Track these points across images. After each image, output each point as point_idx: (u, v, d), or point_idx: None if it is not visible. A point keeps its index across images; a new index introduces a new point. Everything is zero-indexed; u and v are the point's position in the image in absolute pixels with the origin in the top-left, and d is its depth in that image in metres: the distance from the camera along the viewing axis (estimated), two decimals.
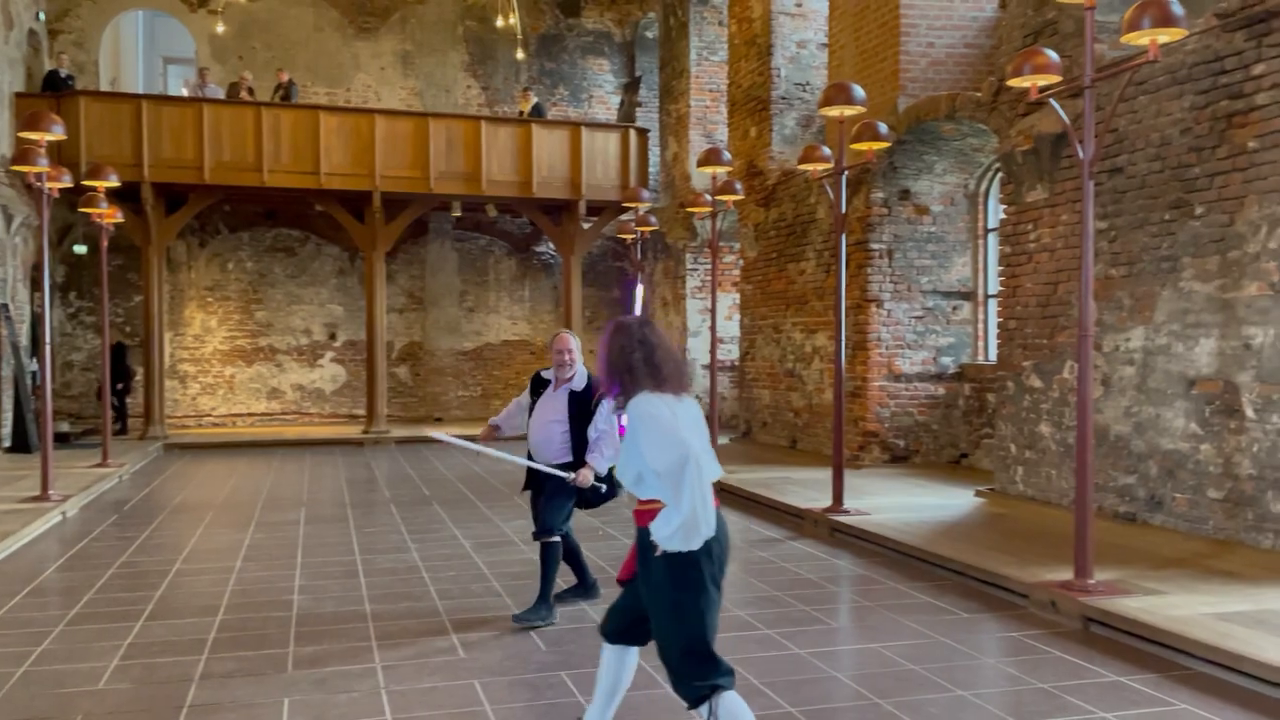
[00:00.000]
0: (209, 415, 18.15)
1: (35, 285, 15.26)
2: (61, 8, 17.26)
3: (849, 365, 11.08)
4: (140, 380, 16.82)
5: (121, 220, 13.20)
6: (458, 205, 17.64)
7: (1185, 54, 6.93)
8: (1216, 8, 6.74)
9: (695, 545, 3.14)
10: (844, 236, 8.67)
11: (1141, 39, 5.44)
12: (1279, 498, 6.26)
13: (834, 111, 8.14)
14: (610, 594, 5.27)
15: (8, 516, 8.45)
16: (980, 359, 11.30)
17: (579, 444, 5.50)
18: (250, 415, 18.31)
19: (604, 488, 5.44)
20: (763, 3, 13.91)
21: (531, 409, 5.76)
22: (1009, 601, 5.90)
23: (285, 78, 16.99)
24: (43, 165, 9.46)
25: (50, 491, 9.40)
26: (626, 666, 3.63)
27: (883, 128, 8.30)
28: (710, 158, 10.62)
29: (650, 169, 18.10)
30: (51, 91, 15.28)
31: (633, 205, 13.88)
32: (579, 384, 5.61)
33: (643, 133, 17.75)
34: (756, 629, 5.40)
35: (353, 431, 16.71)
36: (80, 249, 16.92)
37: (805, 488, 9.62)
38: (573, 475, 5.36)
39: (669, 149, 17.86)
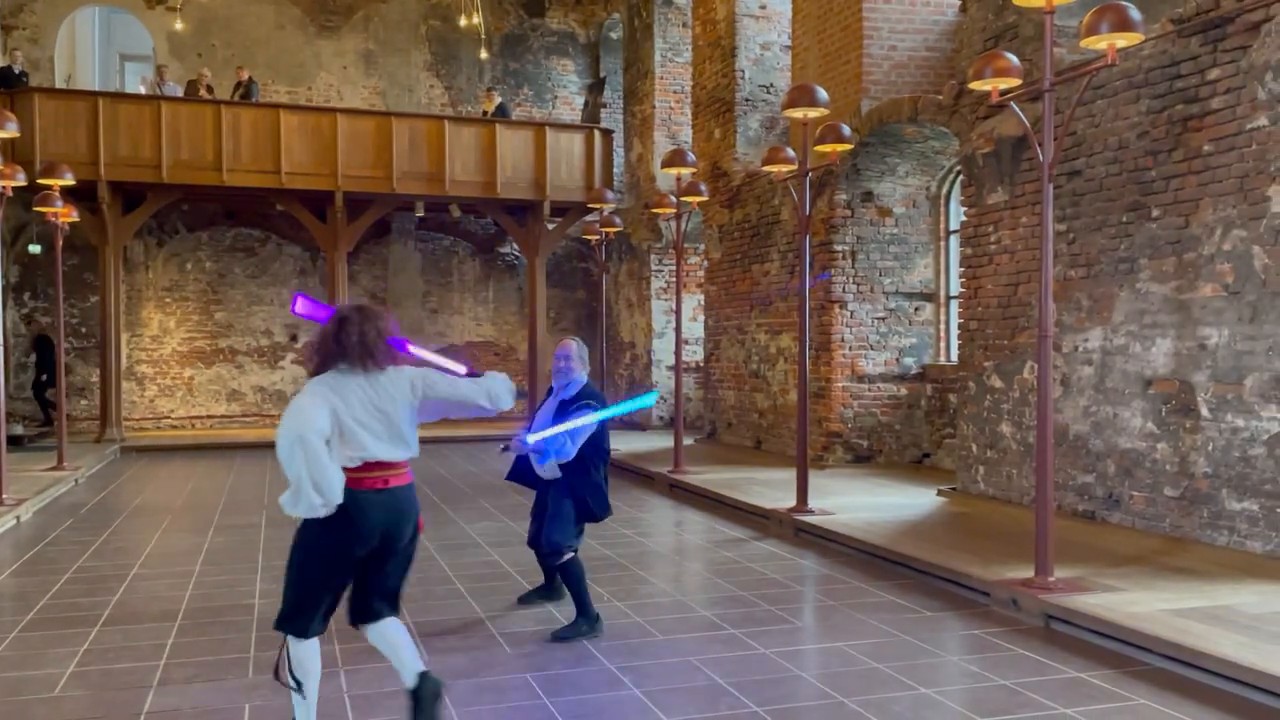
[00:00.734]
0: (167, 417, 17.87)
1: None
2: (15, 3, 16.93)
3: (813, 366, 11.14)
4: (96, 382, 16.53)
5: (77, 219, 12.97)
6: (421, 205, 17.52)
7: (1142, 59, 7.05)
8: (1173, 13, 6.86)
9: (305, 512, 3.56)
10: (808, 238, 8.72)
11: (1100, 43, 5.52)
12: (1233, 496, 6.38)
13: (798, 113, 8.19)
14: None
15: None
16: (942, 359, 11.42)
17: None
18: (210, 417, 18.06)
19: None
20: (727, 5, 13.96)
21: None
22: (971, 600, 5.96)
23: (245, 76, 16.79)
24: None
25: (4, 495, 9.21)
26: (387, 639, 3.87)
27: (846, 130, 8.36)
28: (675, 159, 10.64)
29: (615, 170, 18.09)
30: (4, 88, 14.97)
31: (597, 206, 13.89)
32: (569, 392, 5.46)
33: (607, 134, 17.74)
34: (722, 629, 5.41)
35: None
36: (35, 249, 16.59)
37: (770, 488, 9.66)
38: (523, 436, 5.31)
39: (633, 150, 17.87)
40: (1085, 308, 7.64)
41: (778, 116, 13.78)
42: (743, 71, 13.89)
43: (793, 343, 12.25)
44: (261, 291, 18.42)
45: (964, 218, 9.29)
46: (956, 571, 6.23)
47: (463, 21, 18.29)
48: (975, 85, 6.27)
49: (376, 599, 3.85)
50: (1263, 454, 6.16)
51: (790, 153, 8.94)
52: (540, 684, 4.53)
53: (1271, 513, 6.10)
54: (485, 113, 17.59)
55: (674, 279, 15.21)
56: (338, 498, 3.55)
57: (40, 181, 11.46)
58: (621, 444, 14.13)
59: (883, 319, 11.31)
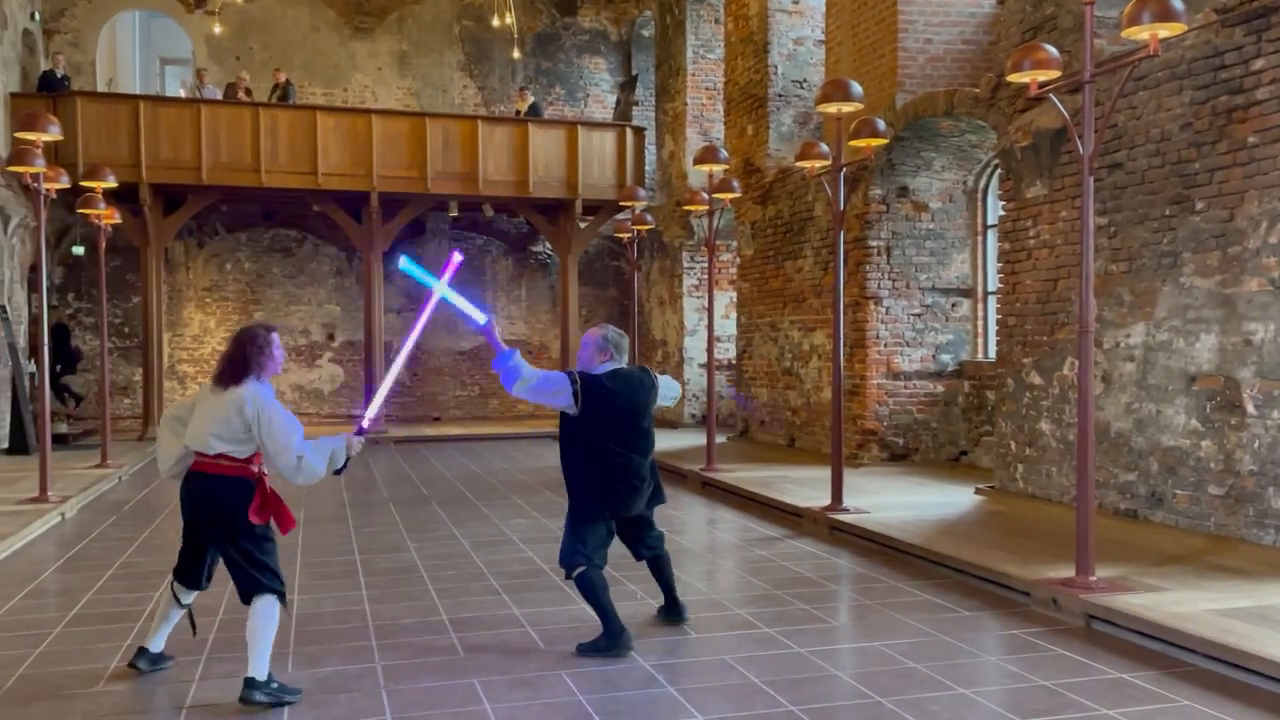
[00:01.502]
0: None
1: (33, 287, 15.23)
2: (57, 8, 17.23)
3: (847, 363, 11.07)
4: (139, 381, 16.80)
5: (119, 221, 13.17)
6: (454, 205, 17.62)
7: (1185, 49, 6.92)
8: (1216, 3, 6.73)
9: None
10: (842, 234, 8.65)
11: (1141, 34, 5.42)
12: None
13: (831, 108, 8.12)
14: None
15: (6, 518, 8.42)
16: (979, 356, 11.29)
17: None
18: None
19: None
20: (759, 0, 13.89)
21: None
22: (1010, 599, 5.88)
23: (282, 78, 16.97)
24: (40, 166, 9.43)
25: (49, 493, 9.38)
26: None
27: (881, 124, 8.29)
28: (707, 156, 10.61)
29: (646, 168, 18.08)
30: (47, 92, 15.25)
31: (629, 204, 13.87)
32: None
33: (639, 131, 17.73)
34: (757, 627, 5.38)
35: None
36: (78, 250, 16.89)
37: (804, 486, 9.61)
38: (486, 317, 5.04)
39: (665, 147, 17.85)
40: (1127, 303, 7.52)
41: (811, 112, 13.70)
42: (775, 67, 13.82)
43: (826, 340, 12.17)
44: (299, 291, 18.62)
45: (1002, 212, 9.17)
46: (995, 571, 6.15)
47: (495, 22, 18.35)
48: (1013, 78, 6.18)
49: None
50: None
51: (824, 148, 8.88)
52: (575, 681, 4.53)
53: None
54: (518, 112, 17.66)
55: (706, 276, 15.17)
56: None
57: (83, 184, 11.66)
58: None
59: (919, 315, 11.20)
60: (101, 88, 17.39)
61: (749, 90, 14.29)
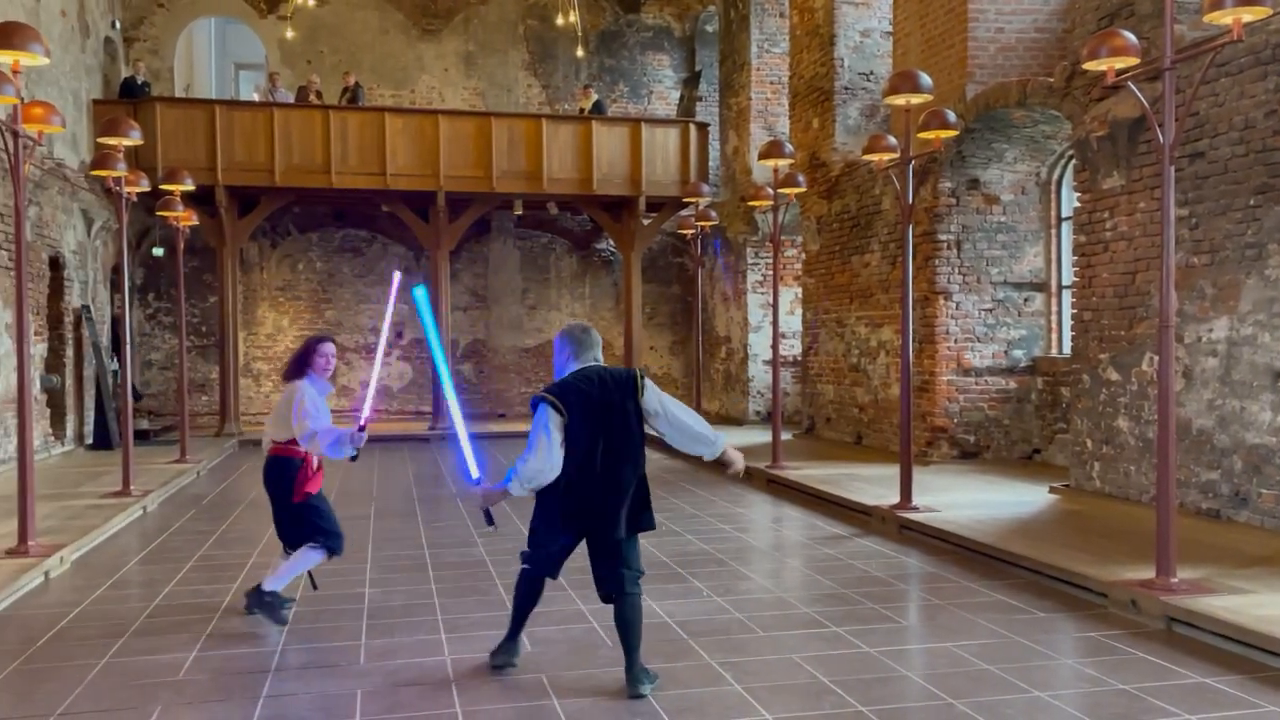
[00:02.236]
0: None
1: (115, 287, 15.73)
2: (137, 16, 17.76)
3: (916, 359, 10.90)
4: (215, 378, 17.26)
5: (197, 223, 13.56)
6: (519, 203, 17.77)
7: (1270, 34, 6.67)
8: None
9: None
10: (910, 227, 8.52)
11: (1224, 18, 5.24)
12: None
13: (900, 100, 7.99)
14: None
15: (91, 511, 8.72)
16: (1054, 352, 11.03)
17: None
18: None
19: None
20: None
21: None
22: (1087, 601, 5.74)
23: (352, 81, 17.27)
24: (121, 170, 9.74)
25: (131, 487, 9.69)
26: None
27: (951, 115, 8.14)
28: (772, 150, 10.54)
29: (710, 163, 18.02)
30: (128, 98, 15.73)
31: (693, 200, 13.85)
32: None
33: (703, 127, 17.68)
34: (824, 626, 5.33)
35: (419, 428, 16.94)
36: (158, 251, 17.40)
37: (871, 484, 9.49)
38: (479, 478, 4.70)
39: (729, 143, 17.76)
40: (1209, 296, 7.28)
41: (878, 104, 13.52)
42: (841, 59, 13.66)
43: (894, 335, 12.00)
44: (368, 290, 18.94)
45: (1077, 204, 8.95)
46: (1071, 571, 6.00)
47: (560, 20, 18.45)
48: (1089, 66, 6.02)
49: None
50: None
51: (892, 141, 8.76)
52: None
53: None
54: (582, 110, 17.72)
55: (770, 272, 15.06)
56: None
57: (162, 187, 12.02)
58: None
59: (990, 310, 10.98)
60: (179, 93, 17.90)
61: (814, 84, 14.14)
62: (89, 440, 14.22)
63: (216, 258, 16.37)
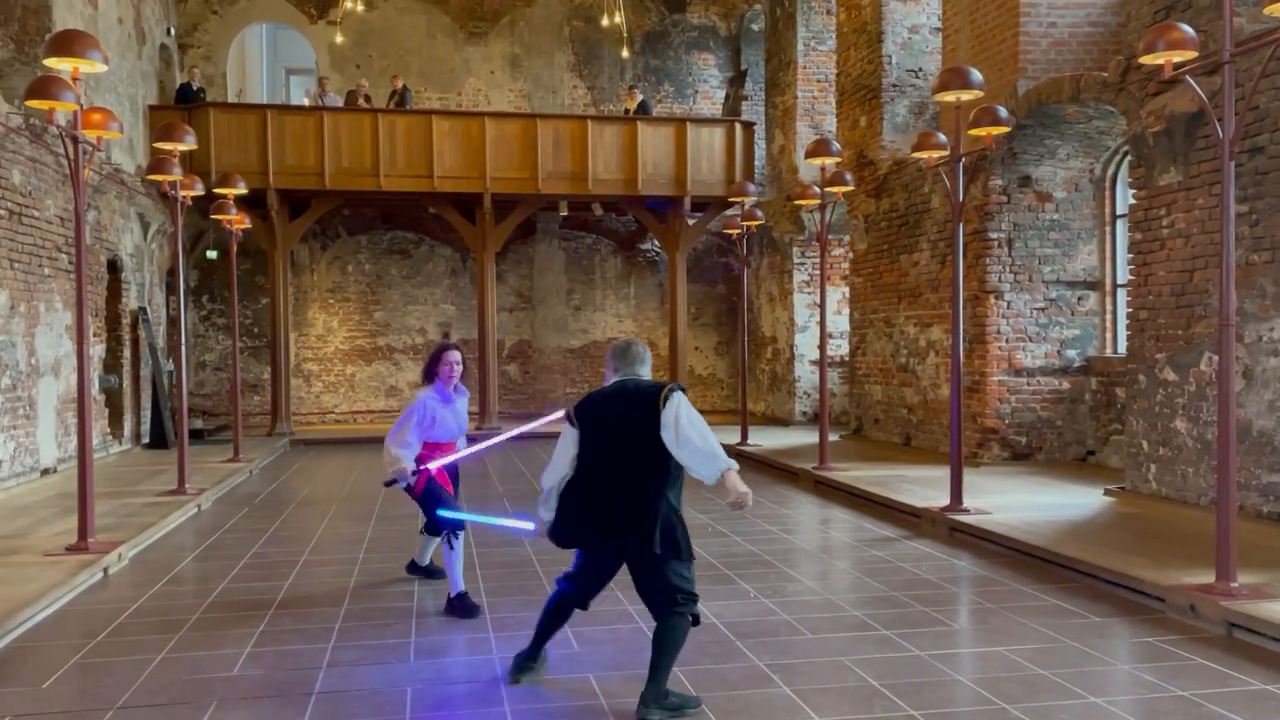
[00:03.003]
0: (331, 412, 18.80)
1: (171, 289, 16.06)
2: (190, 23, 18.11)
3: (966, 359, 10.76)
4: (267, 379, 17.54)
5: (249, 226, 13.78)
6: (565, 205, 17.83)
7: None
8: None
9: None
10: (961, 226, 8.41)
11: None
12: None
13: (949, 97, 7.89)
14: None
15: (148, 509, 8.90)
16: (1108, 351, 10.82)
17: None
18: (370, 412, 18.89)
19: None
20: None
21: None
22: (1143, 605, 5.62)
23: (400, 84, 17.46)
24: (176, 174, 9.93)
25: (186, 485, 9.88)
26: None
27: (1002, 112, 8.02)
28: (819, 149, 10.46)
29: (756, 163, 17.95)
30: (183, 104, 16.04)
31: (738, 200, 13.78)
32: None
33: (748, 126, 17.61)
34: (874, 629, 5.28)
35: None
36: (212, 254, 17.74)
37: (921, 486, 9.38)
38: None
39: (775, 142, 17.67)
40: (1270, 295, 7.10)
41: (927, 101, 13.37)
42: (889, 56, 13.53)
43: (944, 335, 11.86)
44: (416, 292, 19.14)
45: (1133, 201, 8.77)
46: (1127, 575, 5.88)
47: (605, 21, 18.49)
48: (1146, 59, 5.89)
49: None
50: None
51: (942, 138, 8.65)
52: (690, 678, 4.52)
53: None
54: (627, 111, 17.74)
55: (817, 272, 14.96)
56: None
57: (216, 191, 12.24)
58: (765, 439, 14.03)
59: (1042, 309, 10.80)
60: (232, 98, 18.22)
61: (862, 81, 14.03)
62: (145, 439, 14.53)
63: (268, 260, 16.64)
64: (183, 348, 10.98)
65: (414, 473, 5.74)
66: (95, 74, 8.39)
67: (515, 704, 4.24)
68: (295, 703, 4.29)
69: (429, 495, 5.90)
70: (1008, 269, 10.77)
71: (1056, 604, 5.73)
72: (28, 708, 4.29)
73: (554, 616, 4.51)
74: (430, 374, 5.87)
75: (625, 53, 19.10)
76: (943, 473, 8.83)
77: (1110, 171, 10.77)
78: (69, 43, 6.67)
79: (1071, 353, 10.84)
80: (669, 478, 4.19)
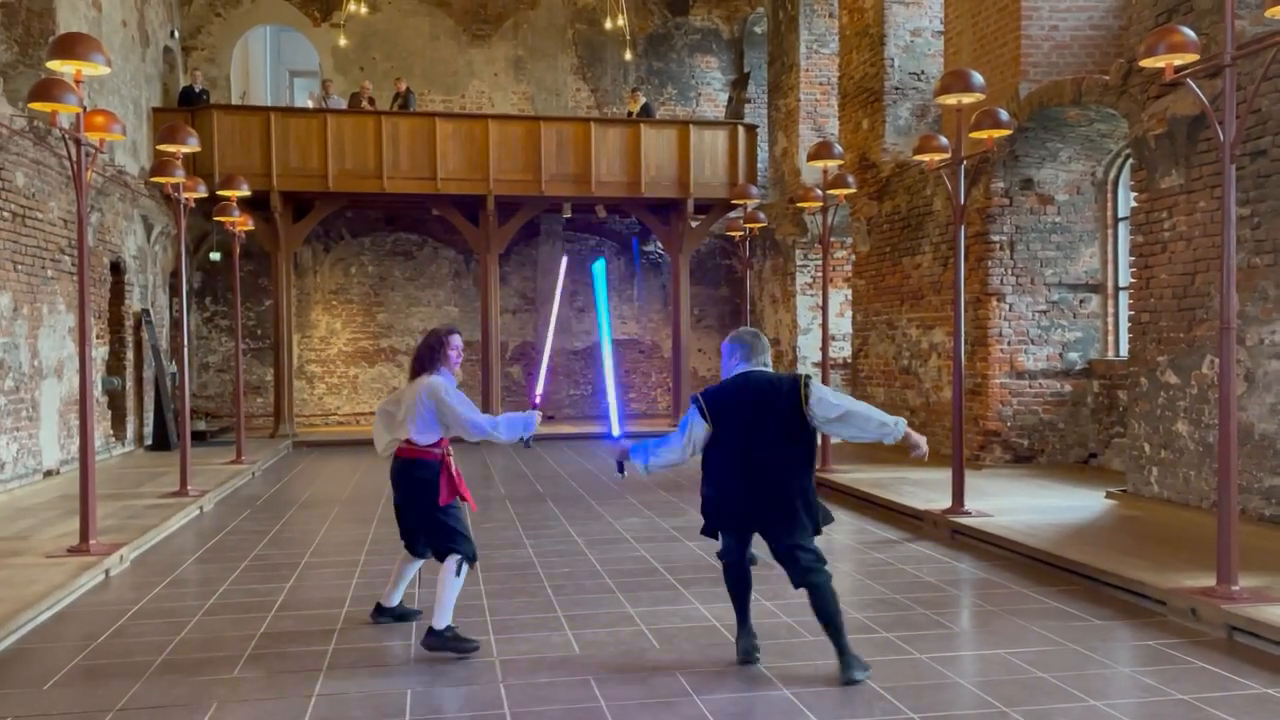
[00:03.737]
0: (334, 414, 18.82)
1: (174, 291, 16.09)
2: (194, 25, 18.16)
3: (968, 362, 10.75)
4: (270, 381, 17.57)
5: (252, 228, 13.80)
6: (568, 207, 17.85)
7: None
8: None
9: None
10: (963, 228, 8.41)
11: None
12: None
13: (951, 99, 7.89)
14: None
15: (150, 511, 8.92)
16: (1110, 354, 10.82)
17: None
18: (373, 414, 18.84)
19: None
20: None
21: None
22: (1144, 608, 5.61)
23: (403, 87, 17.49)
24: (180, 176, 9.96)
25: (189, 487, 9.89)
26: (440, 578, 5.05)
27: (1004, 115, 8.03)
28: (821, 151, 10.47)
29: (759, 165, 17.95)
30: (187, 106, 16.08)
31: (741, 202, 13.81)
32: None
33: (751, 129, 17.63)
34: (875, 632, 5.28)
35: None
36: (215, 256, 17.77)
37: (923, 488, 9.38)
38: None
39: (778, 144, 17.68)
40: (1272, 297, 7.09)
41: (929, 104, 13.37)
42: (892, 59, 13.54)
43: (946, 337, 11.86)
44: (419, 293, 19.17)
45: (1134, 204, 8.77)
46: (1128, 578, 5.88)
47: (608, 24, 18.51)
48: (1147, 63, 5.90)
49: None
50: None
51: (943, 141, 8.65)
52: (689, 680, 4.52)
53: None
54: (630, 113, 17.76)
55: (819, 274, 14.95)
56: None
57: (219, 193, 12.27)
58: None
59: (1044, 312, 10.80)
60: (235, 101, 18.25)
61: (864, 84, 14.03)
62: (148, 441, 14.55)
63: (271, 262, 16.67)
64: (185, 349, 11.00)
65: (535, 407, 5.24)
66: (98, 76, 8.42)
67: (515, 707, 4.24)
68: (295, 704, 4.30)
69: (455, 518, 5.11)
70: (1009, 271, 10.76)
71: (1058, 607, 5.72)
72: (29, 709, 4.30)
73: (737, 585, 4.77)
74: (432, 360, 5.16)
75: (628, 55, 19.12)
76: (944, 475, 8.83)
77: (1112, 174, 10.77)
78: (72, 45, 6.69)
79: (1073, 355, 10.84)
80: (809, 459, 4.63)
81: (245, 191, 12.14)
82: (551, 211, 18.26)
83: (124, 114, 13.78)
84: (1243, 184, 7.19)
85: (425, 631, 4.95)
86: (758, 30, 19.35)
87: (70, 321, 11.72)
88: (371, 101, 17.12)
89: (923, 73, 13.55)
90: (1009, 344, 10.77)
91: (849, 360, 15.36)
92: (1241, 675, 4.51)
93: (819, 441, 4.94)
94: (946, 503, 8.21)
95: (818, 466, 10.69)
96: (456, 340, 5.29)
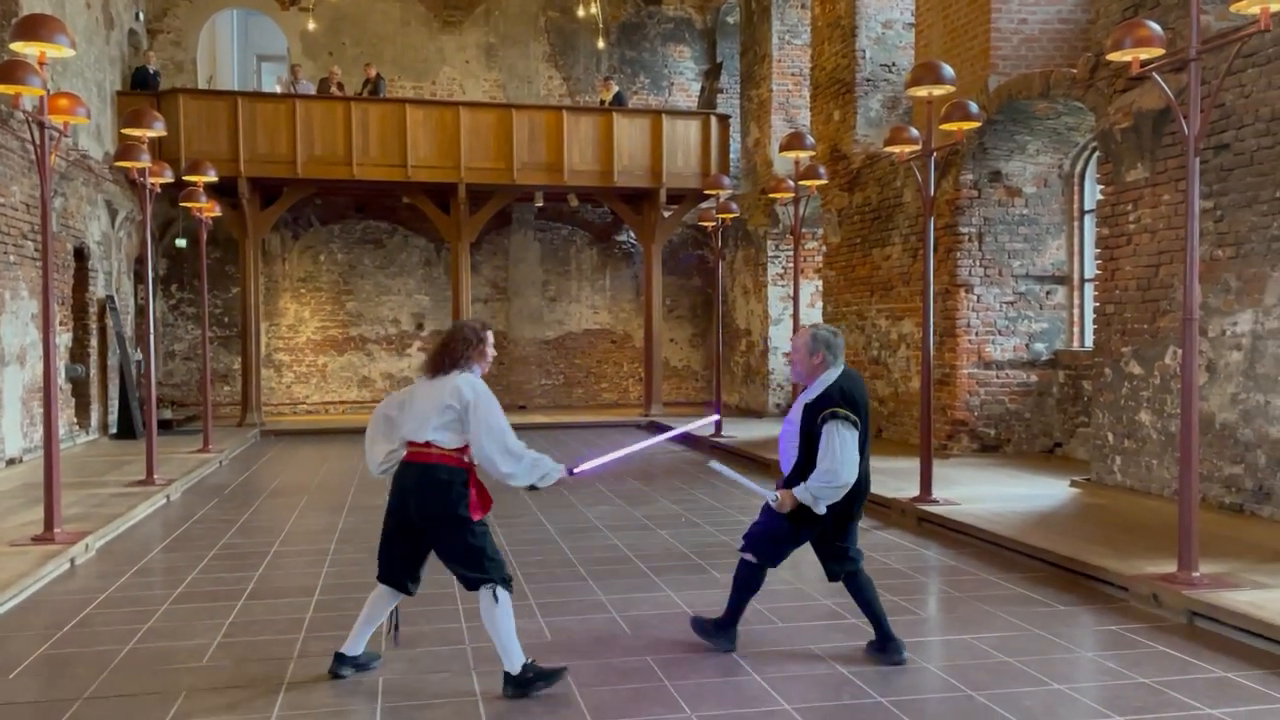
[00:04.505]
0: (303, 403, 18.68)
1: (139, 278, 15.88)
2: (160, 8, 17.88)
3: (937, 352, 10.85)
4: (238, 369, 17.40)
5: (219, 214, 13.63)
6: (540, 195, 17.79)
7: None
8: None
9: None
10: (932, 220, 8.48)
11: (1252, 8, 5.18)
12: None
13: (922, 92, 7.95)
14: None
15: (115, 500, 8.82)
16: (1075, 345, 10.96)
17: (804, 463, 4.59)
18: (342, 403, 18.79)
19: (814, 527, 4.66)
20: None
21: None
22: (1107, 594, 5.72)
23: (373, 73, 17.33)
24: (145, 161, 9.82)
25: (155, 476, 9.79)
26: (487, 618, 4.28)
27: (973, 107, 8.10)
28: (793, 142, 10.51)
29: (731, 156, 17.98)
30: (140, 88, 15.82)
31: (713, 192, 13.83)
32: (811, 394, 4.62)
33: (724, 119, 17.65)
34: (843, 618, 5.33)
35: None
36: (181, 242, 17.55)
37: (891, 477, 9.46)
38: (774, 496, 4.66)
39: (750, 135, 17.72)
40: (1234, 289, 7.22)
41: (900, 96, 13.45)
42: (863, 51, 13.60)
43: (915, 328, 11.96)
44: (389, 282, 19.04)
45: (1100, 196, 8.89)
46: (1091, 565, 5.98)
47: (580, 12, 18.44)
48: (1114, 56, 5.97)
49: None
50: None
51: (914, 132, 8.71)
52: (660, 666, 4.56)
53: None
54: (603, 102, 17.71)
55: (791, 265, 15.02)
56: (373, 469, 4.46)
57: (185, 178, 12.11)
58: (739, 431, 14.08)
59: (1011, 303, 10.92)
60: (202, 85, 18.00)
61: (836, 75, 14.09)
62: (113, 430, 14.37)
63: (239, 249, 16.49)
64: (151, 337, 10.87)
65: (570, 472, 4.48)
66: (62, 59, 8.28)
67: (486, 688, 4.25)
68: (265, 694, 4.28)
69: (484, 535, 4.33)
70: (978, 263, 10.87)
71: (1023, 593, 5.81)
72: None
73: (752, 588, 4.89)
74: (466, 355, 4.40)
75: (601, 44, 19.07)
76: (913, 464, 8.92)
77: (1079, 167, 10.90)
78: (36, 27, 6.58)
79: (1039, 346, 10.98)
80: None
81: (212, 177, 11.98)
82: (523, 200, 18.20)
83: (88, 97, 13.55)
84: (1206, 177, 7.31)
85: (503, 681, 4.22)
86: (730, 20, 19.36)
87: (33, 308, 11.54)
88: (341, 87, 16.96)
89: (894, 65, 13.62)
90: (976, 335, 10.89)
91: None
92: (1202, 660, 4.60)
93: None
94: (914, 491, 8.30)
95: None
96: (491, 336, 4.56)
